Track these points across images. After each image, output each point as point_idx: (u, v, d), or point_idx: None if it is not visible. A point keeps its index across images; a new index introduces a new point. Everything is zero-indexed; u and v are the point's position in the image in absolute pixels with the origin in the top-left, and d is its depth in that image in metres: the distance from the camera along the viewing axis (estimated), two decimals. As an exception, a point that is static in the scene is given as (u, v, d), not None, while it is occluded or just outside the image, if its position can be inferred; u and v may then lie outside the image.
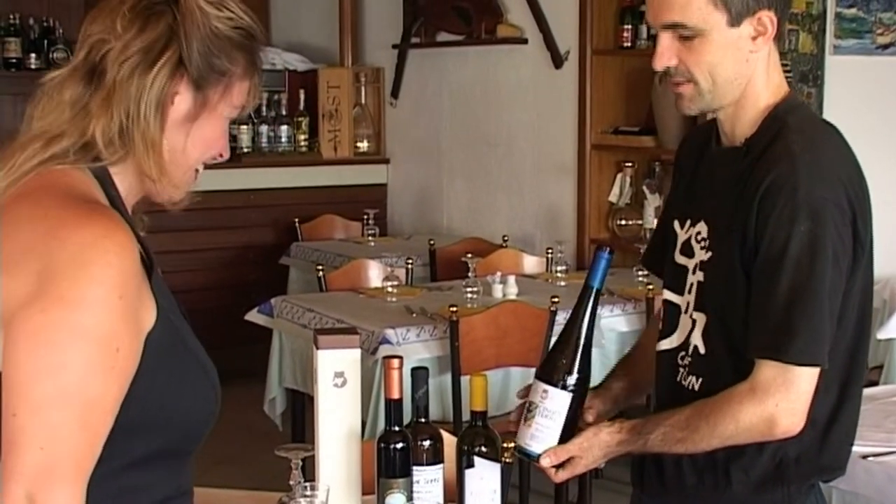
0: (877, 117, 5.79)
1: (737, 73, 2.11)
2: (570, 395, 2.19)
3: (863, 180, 2.12)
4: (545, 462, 2.19)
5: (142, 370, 1.64)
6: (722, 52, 2.09)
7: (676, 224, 2.30)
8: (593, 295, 2.21)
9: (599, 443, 2.17)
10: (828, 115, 5.49)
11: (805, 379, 2.04)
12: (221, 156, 1.86)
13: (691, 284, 2.22)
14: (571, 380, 2.20)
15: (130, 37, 1.71)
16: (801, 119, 2.14)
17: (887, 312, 5.08)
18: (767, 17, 2.09)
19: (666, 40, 2.11)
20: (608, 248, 2.20)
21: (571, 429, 2.20)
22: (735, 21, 2.07)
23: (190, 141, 1.77)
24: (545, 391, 2.21)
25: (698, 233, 2.22)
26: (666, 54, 2.11)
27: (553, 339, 2.41)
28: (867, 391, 2.63)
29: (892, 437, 3.32)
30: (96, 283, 1.56)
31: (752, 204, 2.06)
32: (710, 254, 2.17)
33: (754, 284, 2.08)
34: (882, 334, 4.96)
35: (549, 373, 2.23)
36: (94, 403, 1.57)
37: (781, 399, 2.04)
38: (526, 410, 2.25)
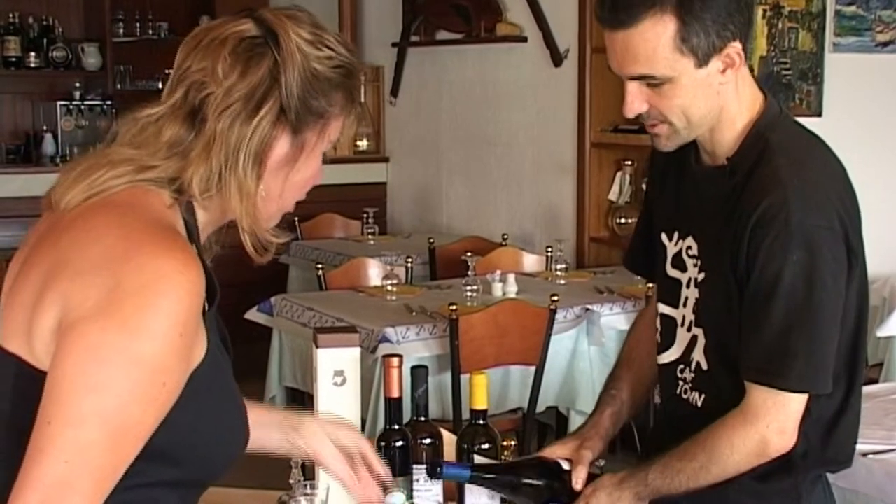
0: (876, 115, 5.80)
1: (709, 108, 2.10)
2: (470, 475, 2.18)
3: (850, 189, 2.12)
4: None
5: (178, 402, 1.62)
6: (692, 93, 2.06)
7: (664, 236, 2.29)
8: (478, 475, 2.18)
9: (599, 493, 2.20)
10: (827, 112, 5.50)
11: (796, 401, 2.07)
12: (315, 183, 1.83)
13: (686, 298, 2.22)
14: (543, 488, 2.23)
15: (231, 83, 1.66)
16: (785, 136, 2.12)
17: (887, 310, 5.09)
18: (734, 51, 2.06)
19: (634, 88, 2.08)
20: (438, 466, 2.17)
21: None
22: (703, 62, 2.04)
23: (288, 185, 1.75)
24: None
25: (689, 247, 2.22)
26: (636, 102, 2.09)
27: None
28: (867, 389, 2.63)
29: (892, 435, 3.32)
30: (162, 316, 1.54)
31: (744, 232, 2.05)
32: (703, 274, 2.17)
33: (745, 310, 2.08)
34: (882, 332, 4.97)
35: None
36: (128, 430, 1.55)
37: (772, 421, 2.06)
38: None
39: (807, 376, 2.04)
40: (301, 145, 1.73)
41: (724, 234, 2.09)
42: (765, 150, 2.09)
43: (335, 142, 1.81)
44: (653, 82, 2.06)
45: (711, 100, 2.09)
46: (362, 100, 6.85)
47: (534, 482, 2.22)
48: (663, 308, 2.29)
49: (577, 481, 2.24)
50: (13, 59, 7.87)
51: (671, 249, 2.26)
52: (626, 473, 2.19)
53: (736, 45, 2.06)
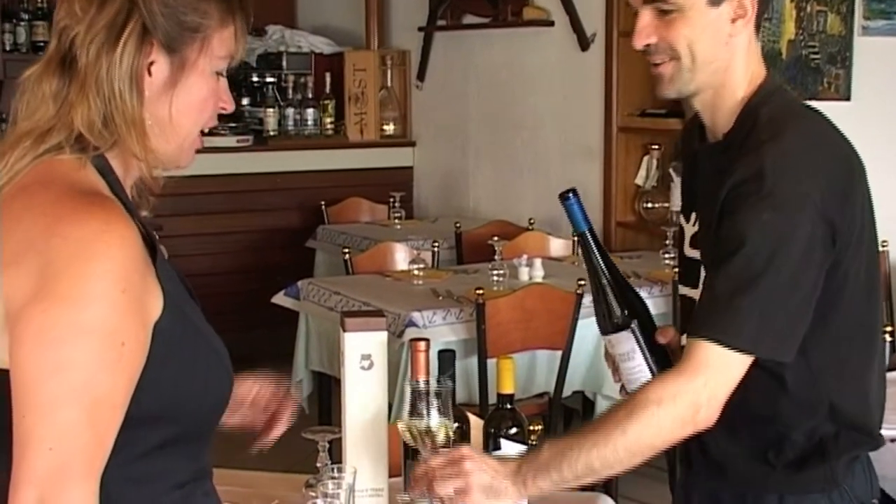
0: (906, 99, 5.76)
1: (715, 55, 2.11)
2: (629, 330, 2.17)
3: (847, 166, 2.09)
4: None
5: (152, 359, 1.61)
6: (701, 30, 2.08)
7: (682, 218, 2.30)
8: (588, 237, 2.20)
9: (486, 465, 2.04)
10: (856, 96, 5.46)
11: (739, 368, 2.00)
12: (224, 109, 1.79)
13: (703, 278, 2.21)
14: (620, 317, 2.18)
15: (91, 16, 1.66)
16: (774, 108, 2.12)
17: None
18: (748, 0, 2.09)
19: (646, 17, 2.12)
20: (569, 191, 2.18)
21: (660, 356, 2.18)
22: (714, 1, 2.07)
23: (175, 108, 1.72)
24: (609, 341, 2.21)
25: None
26: (646, 31, 2.12)
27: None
28: (891, 375, 2.62)
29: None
30: (98, 279, 1.54)
31: (721, 201, 2.04)
32: (698, 252, 2.17)
33: (709, 268, 2.07)
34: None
35: (601, 324, 2.22)
36: (102, 400, 1.55)
37: (710, 380, 1.98)
38: (613, 370, 2.24)
39: (755, 337, 1.98)
40: (181, 64, 1.71)
41: (713, 208, 2.08)
42: (755, 124, 2.09)
43: (228, 58, 1.77)
44: (664, 7, 2.08)
45: (719, 47, 2.10)
46: (389, 84, 6.80)
47: (636, 302, 2.21)
48: (683, 289, 2.28)
49: (663, 335, 2.20)
50: (41, 44, 7.90)
51: (689, 230, 2.26)
52: (524, 454, 2.09)
53: None
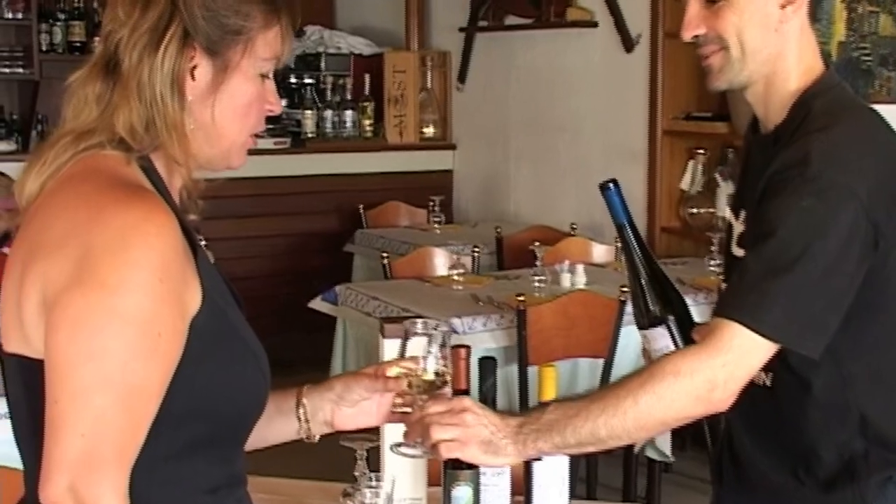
0: (960, 102, 5.71)
1: (765, 43, 2.09)
2: (664, 326, 2.15)
3: None
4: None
5: (188, 356, 1.63)
6: (749, 17, 2.07)
7: (731, 214, 2.28)
8: (628, 229, 2.17)
9: (487, 420, 2.00)
10: (909, 99, 5.42)
11: (760, 354, 1.97)
12: (272, 111, 1.81)
13: None
14: (657, 312, 2.16)
15: (135, 21, 1.69)
16: (828, 101, 2.10)
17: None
18: None
19: (694, 8, 2.11)
20: (610, 181, 2.15)
21: None
22: None
23: (218, 112, 1.74)
24: (644, 337, 2.19)
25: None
26: (694, 21, 2.11)
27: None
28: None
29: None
30: (136, 267, 1.56)
31: (762, 188, 2.03)
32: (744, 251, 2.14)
33: (746, 251, 2.05)
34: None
35: (638, 318, 2.20)
36: (137, 389, 1.56)
37: (730, 361, 1.95)
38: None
39: (780, 324, 1.95)
40: (224, 67, 1.73)
41: (756, 199, 2.07)
42: (806, 116, 2.07)
43: (274, 59, 1.78)
44: None
45: (768, 35, 2.09)
46: (429, 85, 6.81)
47: (674, 297, 2.18)
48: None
49: (700, 333, 2.13)
50: (78, 45, 7.95)
51: (737, 228, 2.23)
52: (523, 416, 2.02)
53: None
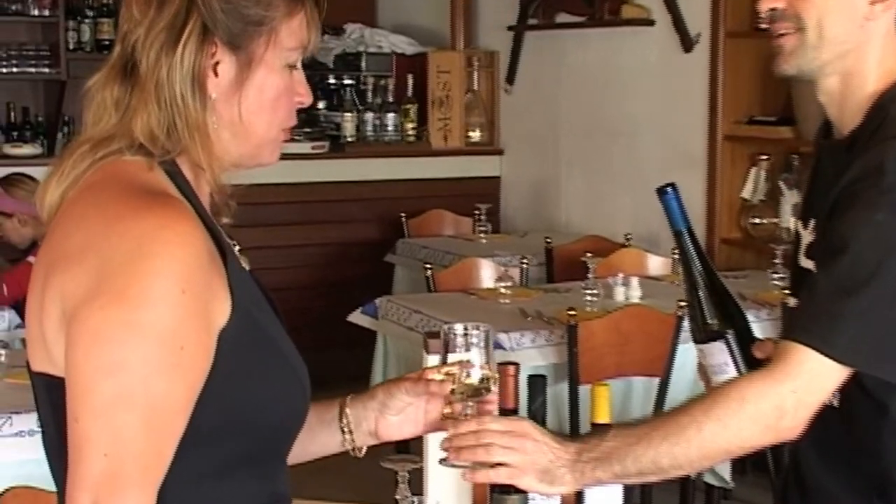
0: None
1: (847, 35, 2.07)
2: (723, 341, 2.14)
3: None
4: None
5: (218, 369, 1.63)
6: (835, 2, 2.06)
7: (800, 224, 2.26)
8: (686, 236, 2.16)
9: (546, 448, 2.00)
10: None
11: (833, 379, 1.97)
12: (302, 103, 1.81)
13: None
14: (715, 326, 2.15)
15: (151, 19, 1.69)
16: None
17: None
18: None
19: None
20: (668, 185, 2.15)
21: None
22: None
23: (245, 108, 1.74)
24: (701, 351, 2.18)
25: None
26: None
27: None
28: None
29: None
30: (157, 277, 1.56)
31: (833, 199, 2.02)
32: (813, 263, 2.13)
33: (816, 268, 2.03)
34: None
35: (694, 332, 2.19)
36: (159, 404, 1.57)
37: (800, 387, 1.95)
38: (705, 383, 2.20)
39: (853, 347, 1.94)
40: (248, 61, 1.73)
41: (826, 210, 2.05)
42: (884, 121, 2.06)
43: (301, 48, 1.78)
44: None
45: (852, 28, 2.07)
46: (475, 87, 6.81)
47: (734, 310, 2.17)
48: (793, 302, 2.25)
49: (761, 349, 2.14)
50: (107, 43, 8.02)
51: (805, 237, 2.21)
52: (581, 443, 2.02)
53: None
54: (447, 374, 2.02)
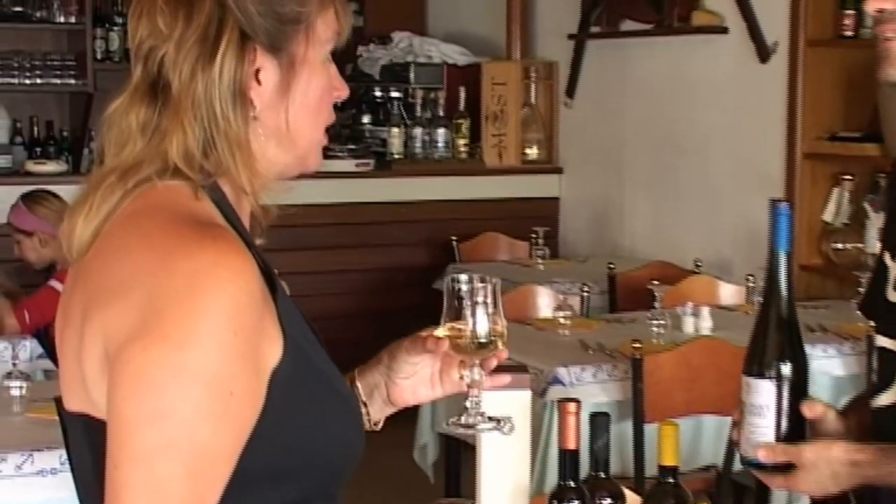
0: None
1: None
2: (773, 382, 2.14)
3: None
4: (761, 455, 2.13)
5: (270, 409, 1.62)
6: None
7: (888, 256, 2.23)
8: (783, 261, 2.16)
9: (829, 459, 2.08)
10: None
11: None
12: (339, 97, 1.82)
13: None
14: (773, 366, 2.14)
15: (180, 32, 1.67)
16: None
17: None
18: None
19: None
20: (784, 201, 2.15)
21: (795, 429, 2.13)
22: None
23: (292, 114, 1.74)
24: (746, 384, 2.18)
25: None
26: None
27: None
28: None
29: None
30: (206, 318, 1.55)
31: None
32: None
33: None
34: None
35: (747, 361, 2.18)
36: (204, 454, 1.56)
37: None
38: (740, 414, 2.20)
39: None
40: (291, 62, 1.73)
41: None
42: None
43: (335, 38, 1.79)
44: None
45: None
46: (532, 100, 6.83)
47: (799, 356, 2.17)
48: (882, 340, 2.22)
49: (810, 408, 2.16)
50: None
51: (893, 270, 2.20)
52: (868, 455, 2.09)
53: None
54: (452, 329, 2.03)
